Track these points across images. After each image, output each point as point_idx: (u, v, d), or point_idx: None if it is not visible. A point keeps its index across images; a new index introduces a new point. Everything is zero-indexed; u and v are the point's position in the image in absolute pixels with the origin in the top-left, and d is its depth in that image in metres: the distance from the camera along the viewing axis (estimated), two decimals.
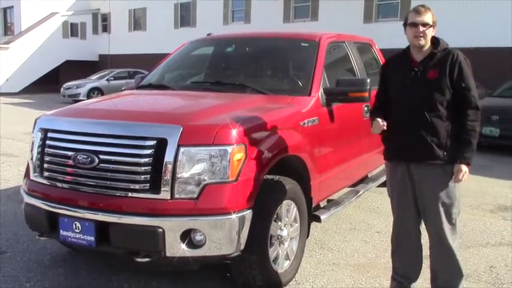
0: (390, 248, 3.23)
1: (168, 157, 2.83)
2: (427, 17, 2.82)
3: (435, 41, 2.89)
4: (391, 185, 3.11)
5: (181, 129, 2.87)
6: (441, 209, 2.87)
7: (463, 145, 2.79)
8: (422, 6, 2.86)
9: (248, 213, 2.95)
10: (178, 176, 2.84)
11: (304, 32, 5.33)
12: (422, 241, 3.11)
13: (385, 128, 2.94)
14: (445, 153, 2.82)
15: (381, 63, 5.55)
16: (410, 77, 2.88)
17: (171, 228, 2.82)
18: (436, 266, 3.03)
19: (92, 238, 2.94)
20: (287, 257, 3.41)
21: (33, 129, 3.41)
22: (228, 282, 3.43)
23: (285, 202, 3.28)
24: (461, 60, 2.82)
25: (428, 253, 3.09)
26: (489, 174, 7.36)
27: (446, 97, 2.81)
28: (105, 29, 29.40)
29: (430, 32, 2.85)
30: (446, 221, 2.88)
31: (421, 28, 2.80)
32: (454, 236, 2.93)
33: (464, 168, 2.79)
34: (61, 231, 3.05)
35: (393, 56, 3.10)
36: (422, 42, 2.83)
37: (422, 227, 3.07)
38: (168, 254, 2.85)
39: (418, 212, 3.00)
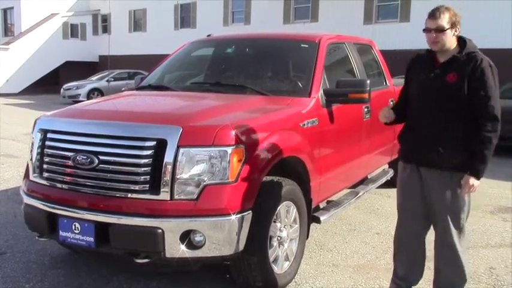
0: (390, 249, 3.21)
1: (168, 158, 2.83)
2: (443, 20, 2.67)
3: (462, 42, 2.76)
4: (400, 184, 3.05)
5: (181, 130, 2.87)
6: (449, 215, 2.81)
7: (475, 157, 2.65)
8: (438, 8, 2.70)
9: (248, 214, 2.95)
10: (178, 176, 2.83)
11: (304, 33, 5.32)
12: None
13: (392, 118, 2.92)
14: (454, 162, 2.72)
15: (381, 65, 5.56)
16: (430, 78, 2.77)
17: (171, 229, 2.81)
18: (440, 266, 2.98)
19: (92, 239, 2.94)
20: (287, 258, 3.40)
21: (33, 129, 3.41)
22: (227, 283, 3.43)
23: (284, 203, 3.27)
24: (485, 66, 2.66)
25: (431, 254, 3.05)
26: (489, 175, 7.23)
27: (462, 103, 2.67)
28: (105, 29, 29.43)
29: (449, 35, 2.70)
30: (453, 226, 2.82)
31: (434, 34, 2.68)
32: (462, 239, 2.88)
33: (472, 180, 2.66)
34: (60, 232, 3.05)
35: (419, 55, 2.97)
36: (438, 46, 2.72)
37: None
38: (167, 255, 2.84)
39: (425, 214, 2.93)
